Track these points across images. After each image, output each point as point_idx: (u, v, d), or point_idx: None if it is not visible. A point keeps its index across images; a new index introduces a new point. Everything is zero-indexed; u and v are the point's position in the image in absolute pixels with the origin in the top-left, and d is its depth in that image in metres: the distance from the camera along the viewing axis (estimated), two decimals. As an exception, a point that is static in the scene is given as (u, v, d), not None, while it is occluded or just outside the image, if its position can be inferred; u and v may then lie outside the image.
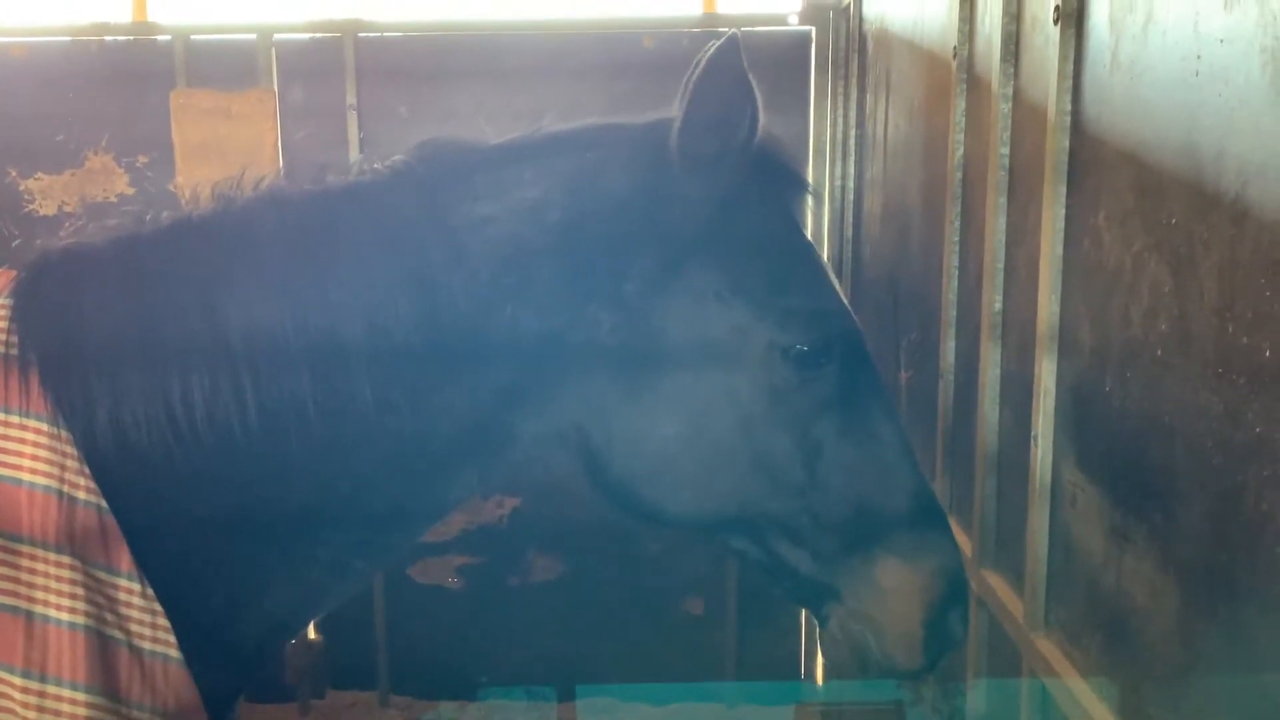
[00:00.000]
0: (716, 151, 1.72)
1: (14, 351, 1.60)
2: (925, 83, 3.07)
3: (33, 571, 1.55)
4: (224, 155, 4.48)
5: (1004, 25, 2.27)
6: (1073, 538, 1.99)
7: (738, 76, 1.71)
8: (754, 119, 1.73)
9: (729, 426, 1.73)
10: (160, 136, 4.51)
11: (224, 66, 4.49)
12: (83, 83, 4.54)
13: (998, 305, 2.36)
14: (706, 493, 1.77)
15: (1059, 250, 2.00)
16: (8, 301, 1.66)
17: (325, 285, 1.68)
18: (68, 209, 4.62)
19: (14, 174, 4.60)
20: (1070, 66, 1.94)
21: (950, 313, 2.72)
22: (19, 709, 1.53)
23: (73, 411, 1.59)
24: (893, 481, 1.76)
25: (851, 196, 4.14)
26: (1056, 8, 1.95)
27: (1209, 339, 1.47)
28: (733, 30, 1.77)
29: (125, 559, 1.60)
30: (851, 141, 4.11)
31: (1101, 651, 1.86)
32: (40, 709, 1.53)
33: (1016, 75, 2.27)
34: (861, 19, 4.00)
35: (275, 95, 4.49)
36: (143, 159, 4.60)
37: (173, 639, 1.62)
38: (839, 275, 4.31)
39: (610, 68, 4.52)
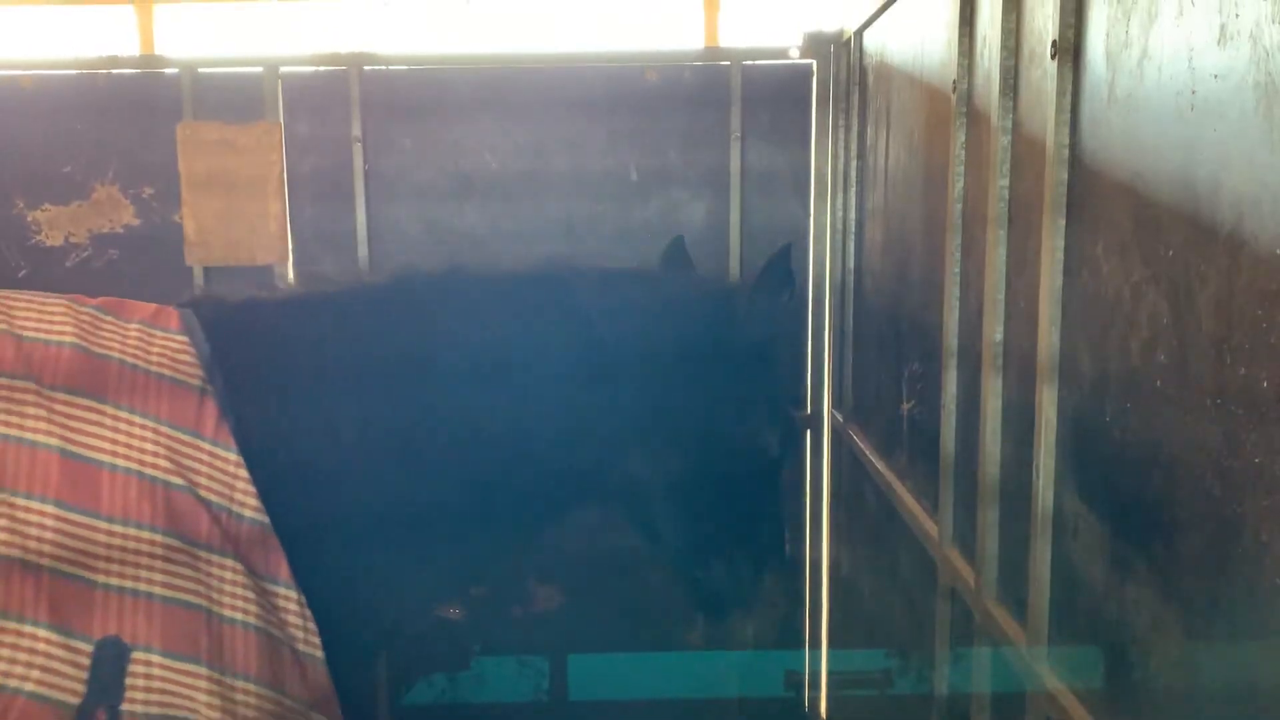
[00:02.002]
0: (773, 307, 2.46)
1: (196, 383, 1.89)
2: (925, 115, 3.10)
3: (209, 574, 1.78)
4: (230, 187, 4.52)
5: (1002, 60, 2.30)
6: (1075, 568, 1.99)
7: (786, 267, 2.50)
8: (791, 293, 2.53)
9: None
10: (166, 168, 4.55)
11: (230, 99, 4.54)
12: (90, 115, 4.58)
13: (998, 336, 2.37)
14: None
15: (1058, 281, 2.01)
16: (185, 339, 1.96)
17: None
18: (74, 240, 4.65)
19: (21, 205, 4.63)
20: (1068, 100, 1.96)
21: (951, 343, 2.73)
22: (204, 692, 1.73)
23: (241, 437, 1.87)
24: None
25: (853, 227, 4.16)
26: (1053, 43, 1.98)
27: (1207, 370, 1.49)
28: (787, 243, 2.60)
29: (284, 569, 1.85)
30: (853, 173, 4.14)
31: (1104, 681, 1.86)
32: (225, 699, 1.73)
33: (1015, 109, 2.29)
34: (862, 52, 4.04)
35: (281, 127, 4.53)
36: (148, 190, 4.63)
37: (318, 640, 1.88)
38: (840, 305, 4.33)
39: (613, 100, 4.56)
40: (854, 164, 4.12)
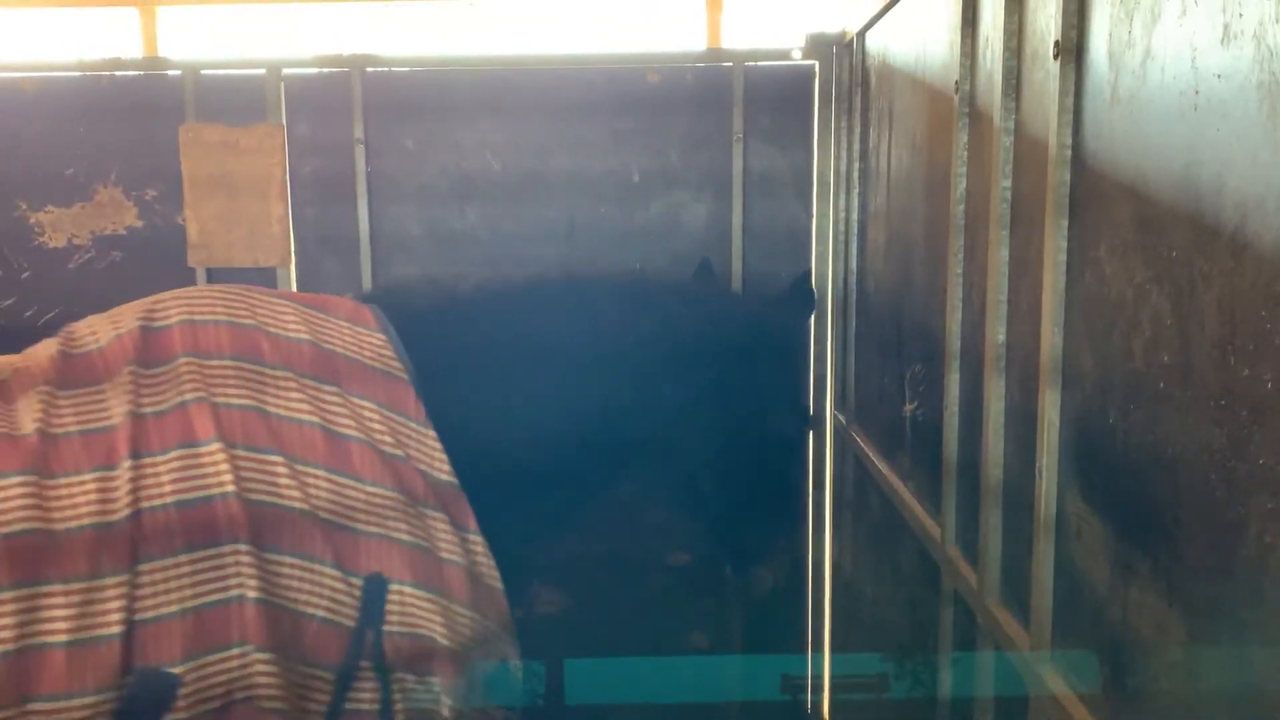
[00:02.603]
0: (795, 323, 3.06)
1: (401, 374, 2.31)
2: (927, 116, 3.10)
3: (428, 525, 2.20)
4: (232, 189, 4.52)
5: (1005, 60, 2.29)
6: (1078, 570, 1.99)
7: (807, 290, 3.13)
8: (810, 312, 3.24)
9: None
10: (169, 170, 4.55)
11: (233, 101, 4.54)
12: (93, 117, 4.59)
13: (1001, 337, 2.37)
14: None
15: (1061, 283, 2.01)
16: (383, 337, 2.36)
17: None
18: (77, 241, 4.65)
19: (24, 207, 4.64)
20: (1070, 101, 1.96)
21: (954, 345, 2.73)
22: (437, 615, 2.16)
23: (435, 414, 2.29)
24: None
25: (855, 228, 4.16)
26: (1056, 43, 1.97)
27: (1211, 371, 1.48)
28: (807, 270, 3.33)
29: (471, 520, 2.28)
30: (855, 174, 4.13)
31: (1107, 684, 1.86)
32: (449, 620, 2.18)
33: (1018, 109, 2.28)
34: (865, 53, 4.03)
35: (283, 129, 4.54)
36: (151, 192, 4.64)
37: (498, 575, 2.31)
38: (842, 307, 4.33)
39: (615, 102, 4.56)
40: (856, 165, 4.12)
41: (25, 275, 4.65)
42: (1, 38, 5.14)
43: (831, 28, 4.41)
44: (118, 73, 4.59)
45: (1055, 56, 1.98)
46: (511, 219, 4.61)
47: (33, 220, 4.65)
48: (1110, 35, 1.81)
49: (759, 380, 2.85)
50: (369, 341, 2.35)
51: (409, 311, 2.50)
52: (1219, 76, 1.44)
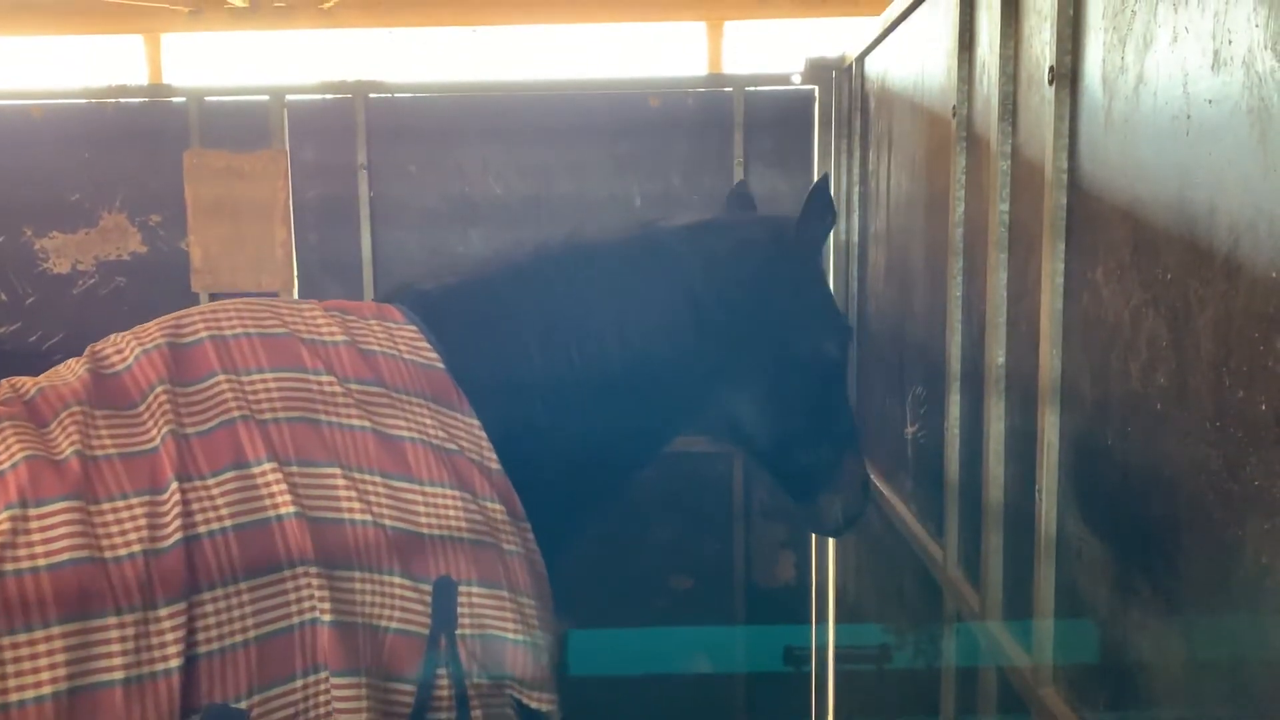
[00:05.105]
0: (819, 235, 2.83)
1: (438, 364, 2.26)
2: (926, 140, 3.12)
3: (488, 518, 2.16)
4: (236, 214, 4.55)
5: (1001, 85, 2.32)
6: (1079, 591, 1.99)
7: (826, 198, 2.79)
8: (832, 221, 2.86)
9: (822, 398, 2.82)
10: (173, 195, 4.59)
11: (237, 127, 4.58)
12: (98, 143, 4.63)
13: (1001, 359, 2.38)
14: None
15: (1059, 305, 2.02)
16: (415, 329, 2.32)
17: (635, 316, 2.58)
18: (81, 267, 4.68)
19: (29, 233, 4.67)
20: (1066, 125, 1.98)
21: (954, 367, 2.74)
22: (507, 611, 2.12)
23: (478, 405, 2.25)
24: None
25: (855, 252, 4.18)
26: (1051, 68, 1.99)
27: (1206, 393, 1.49)
28: (825, 173, 3.13)
29: (519, 507, 2.23)
30: (855, 198, 4.15)
31: (1108, 705, 1.86)
32: (518, 613, 2.14)
33: (1014, 134, 2.30)
34: (864, 78, 4.06)
35: (287, 155, 4.57)
36: (155, 218, 4.67)
37: (542, 562, 2.27)
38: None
39: (617, 126, 4.59)
40: (856, 188, 4.14)
41: (30, 301, 4.68)
42: (8, 65, 5.19)
43: (831, 53, 4.44)
44: (123, 99, 4.63)
45: (1050, 82, 2.00)
46: (514, 243, 4.63)
47: (38, 246, 4.68)
48: (1104, 61, 1.83)
49: (788, 302, 2.76)
50: (402, 335, 2.28)
51: (428, 304, 2.46)
52: (1210, 101, 1.46)
